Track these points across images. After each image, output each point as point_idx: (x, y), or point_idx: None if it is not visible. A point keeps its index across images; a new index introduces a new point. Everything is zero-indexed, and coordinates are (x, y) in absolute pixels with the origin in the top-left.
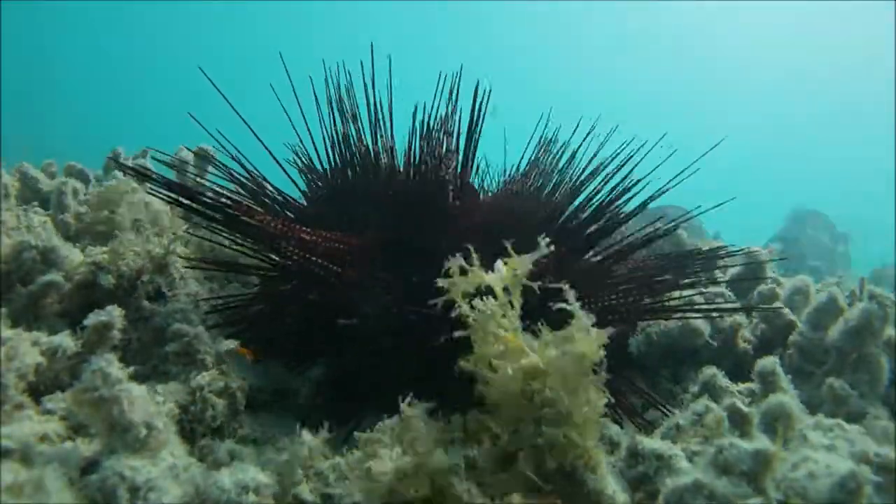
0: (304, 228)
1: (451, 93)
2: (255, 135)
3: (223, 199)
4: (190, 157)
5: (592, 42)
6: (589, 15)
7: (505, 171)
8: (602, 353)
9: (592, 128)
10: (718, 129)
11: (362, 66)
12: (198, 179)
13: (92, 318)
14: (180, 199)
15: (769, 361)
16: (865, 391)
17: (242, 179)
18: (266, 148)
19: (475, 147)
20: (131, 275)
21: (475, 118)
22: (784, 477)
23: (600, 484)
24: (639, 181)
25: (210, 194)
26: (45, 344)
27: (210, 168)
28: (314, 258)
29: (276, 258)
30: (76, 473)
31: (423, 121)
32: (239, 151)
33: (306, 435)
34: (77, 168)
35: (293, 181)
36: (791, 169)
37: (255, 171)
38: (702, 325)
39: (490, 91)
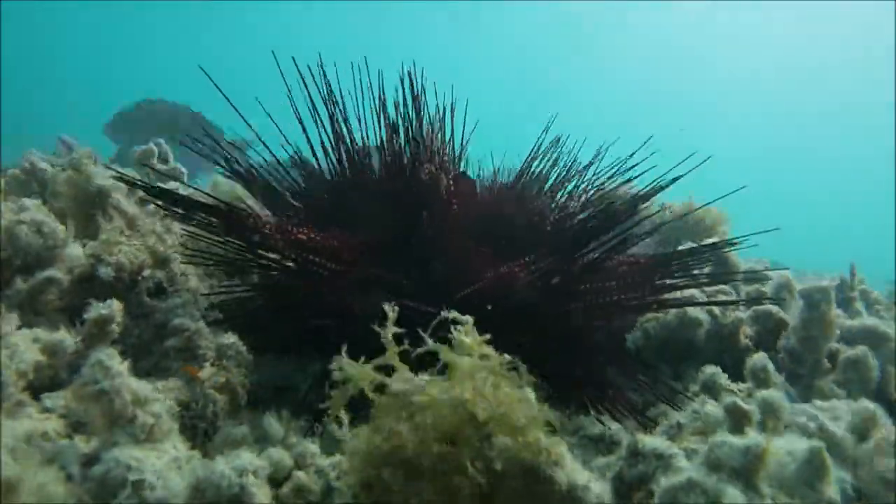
0: (300, 230)
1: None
2: (260, 140)
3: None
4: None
5: (593, 41)
6: (590, 15)
7: (501, 168)
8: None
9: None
10: (719, 127)
11: (367, 67)
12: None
13: (91, 312)
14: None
15: (759, 358)
16: (855, 390)
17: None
18: (271, 153)
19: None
20: (132, 270)
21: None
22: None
23: (570, 476)
24: (632, 178)
25: (207, 199)
26: (46, 342)
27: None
28: (311, 257)
29: (275, 259)
30: (76, 470)
31: (420, 118)
32: (232, 158)
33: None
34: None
35: (294, 179)
36: (790, 167)
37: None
38: (700, 314)
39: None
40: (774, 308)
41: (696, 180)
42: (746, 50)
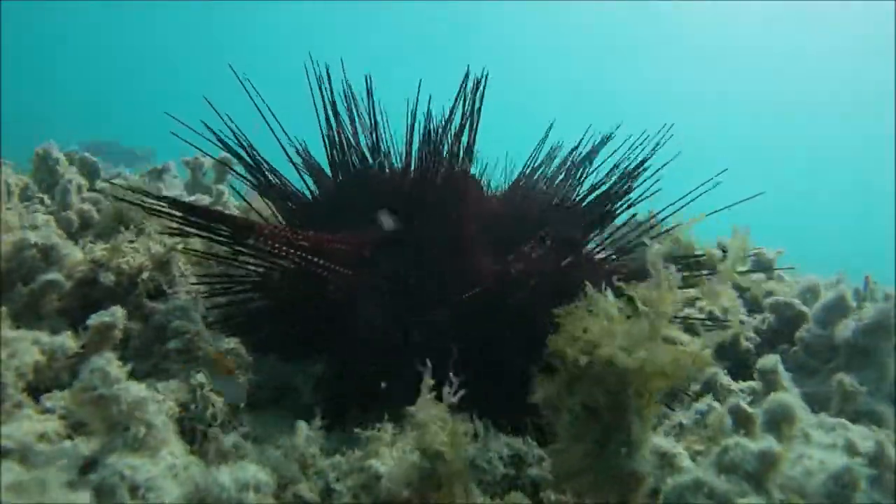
0: (305, 234)
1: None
2: (276, 137)
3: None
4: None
5: (596, 41)
6: (593, 14)
7: (511, 170)
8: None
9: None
10: (719, 126)
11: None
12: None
13: (94, 319)
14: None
15: (770, 360)
16: (872, 389)
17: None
18: (284, 149)
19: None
20: (132, 272)
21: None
22: (782, 475)
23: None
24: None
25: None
26: (46, 344)
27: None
28: (316, 260)
29: (277, 262)
30: (75, 473)
31: (427, 120)
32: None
33: (303, 427)
34: (89, 161)
35: (304, 180)
36: (791, 166)
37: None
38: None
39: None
40: (797, 301)
41: (693, 181)
42: (747, 49)
